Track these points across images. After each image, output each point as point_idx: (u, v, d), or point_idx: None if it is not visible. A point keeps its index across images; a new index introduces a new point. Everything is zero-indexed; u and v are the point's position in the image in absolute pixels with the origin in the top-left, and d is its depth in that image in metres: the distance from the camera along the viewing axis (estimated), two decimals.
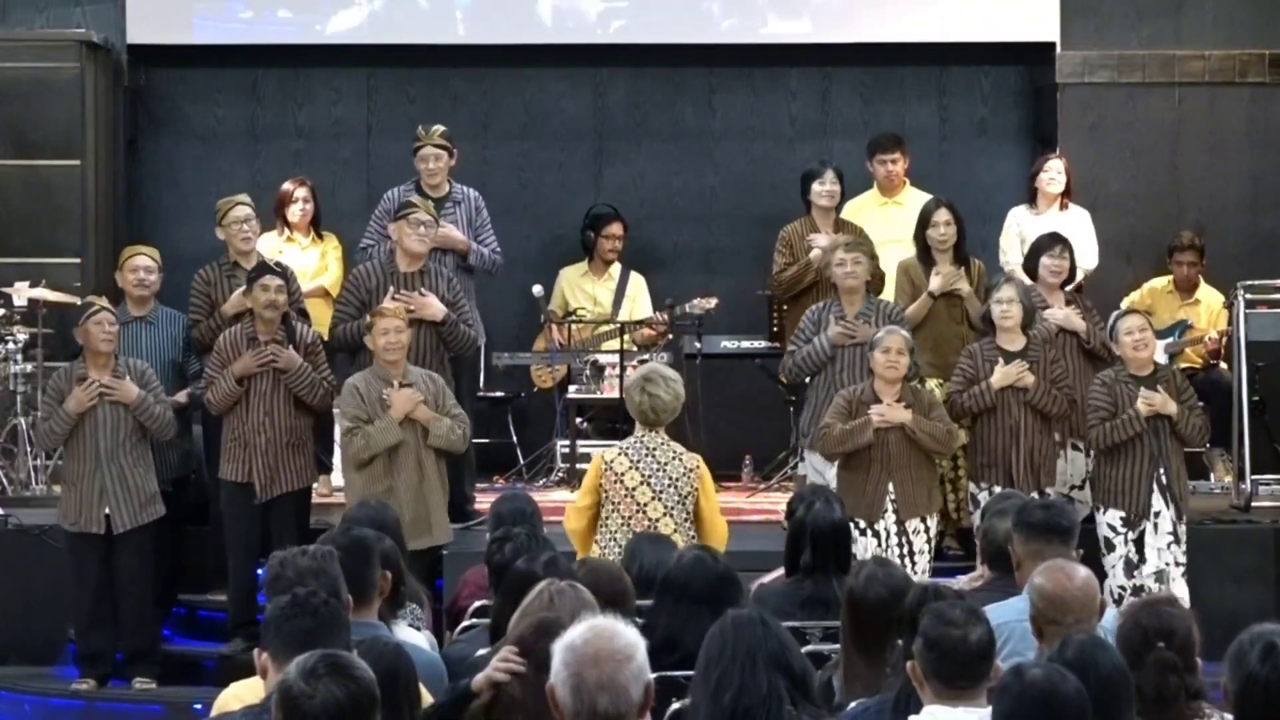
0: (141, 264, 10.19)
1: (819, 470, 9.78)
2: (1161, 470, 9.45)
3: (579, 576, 5.57)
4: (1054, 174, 11.27)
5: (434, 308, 9.92)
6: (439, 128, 10.78)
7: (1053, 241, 10.22)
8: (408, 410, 9.29)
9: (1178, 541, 9.45)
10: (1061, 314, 9.99)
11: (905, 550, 9.20)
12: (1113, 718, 4.45)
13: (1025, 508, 6.45)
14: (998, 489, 9.31)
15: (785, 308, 11.21)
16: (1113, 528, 9.45)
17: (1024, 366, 9.55)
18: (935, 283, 10.10)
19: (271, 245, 11.19)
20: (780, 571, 7.36)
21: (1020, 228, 11.04)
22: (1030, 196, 11.33)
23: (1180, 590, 9.20)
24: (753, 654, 4.88)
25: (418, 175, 10.78)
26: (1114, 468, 9.52)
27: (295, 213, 11.41)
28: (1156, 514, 9.42)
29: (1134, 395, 9.45)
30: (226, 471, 9.74)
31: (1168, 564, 9.40)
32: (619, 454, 8.23)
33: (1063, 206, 11.27)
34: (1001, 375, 9.54)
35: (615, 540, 8.09)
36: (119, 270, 10.28)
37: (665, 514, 8.15)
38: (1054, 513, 6.37)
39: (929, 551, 9.34)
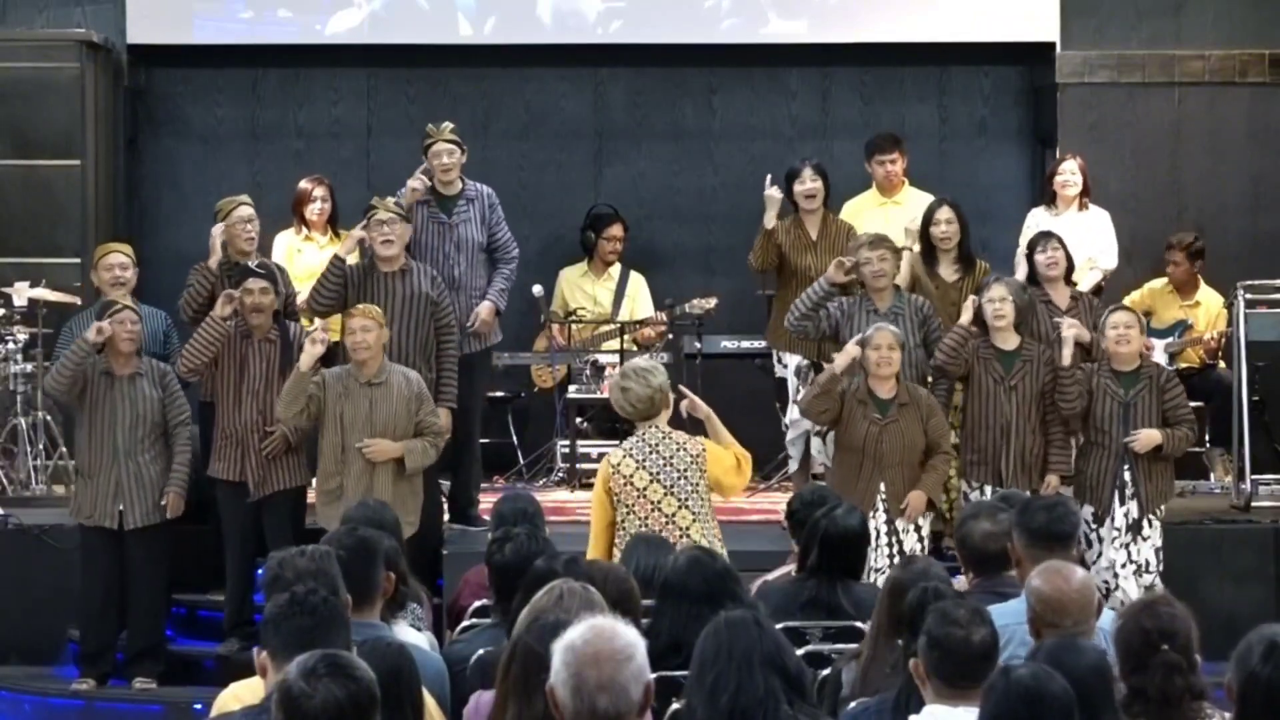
0: (117, 261, 10.12)
1: (822, 451, 9.84)
2: (1125, 466, 9.45)
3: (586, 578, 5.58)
4: (1069, 175, 11.27)
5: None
6: (448, 124, 10.71)
7: (1041, 238, 10.24)
8: (382, 459, 9.30)
9: (1136, 540, 9.42)
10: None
11: (895, 550, 9.16)
12: (1093, 718, 4.45)
13: (1027, 509, 6.32)
14: (989, 489, 9.33)
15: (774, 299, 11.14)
16: (1087, 523, 9.44)
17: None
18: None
19: (289, 244, 11.23)
20: (787, 568, 7.37)
21: (1039, 228, 11.04)
22: (1050, 198, 11.33)
23: (1130, 588, 9.19)
24: (749, 655, 4.86)
25: (431, 174, 10.70)
26: (1085, 464, 9.56)
27: (313, 211, 11.39)
28: (1112, 510, 9.43)
29: (1110, 389, 9.47)
30: (218, 470, 9.75)
31: (1113, 561, 9.38)
32: (624, 456, 8.16)
33: (1081, 207, 11.27)
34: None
35: None
36: (94, 269, 10.24)
37: (680, 507, 8.07)
38: (1056, 516, 6.24)
39: (920, 552, 9.29)
